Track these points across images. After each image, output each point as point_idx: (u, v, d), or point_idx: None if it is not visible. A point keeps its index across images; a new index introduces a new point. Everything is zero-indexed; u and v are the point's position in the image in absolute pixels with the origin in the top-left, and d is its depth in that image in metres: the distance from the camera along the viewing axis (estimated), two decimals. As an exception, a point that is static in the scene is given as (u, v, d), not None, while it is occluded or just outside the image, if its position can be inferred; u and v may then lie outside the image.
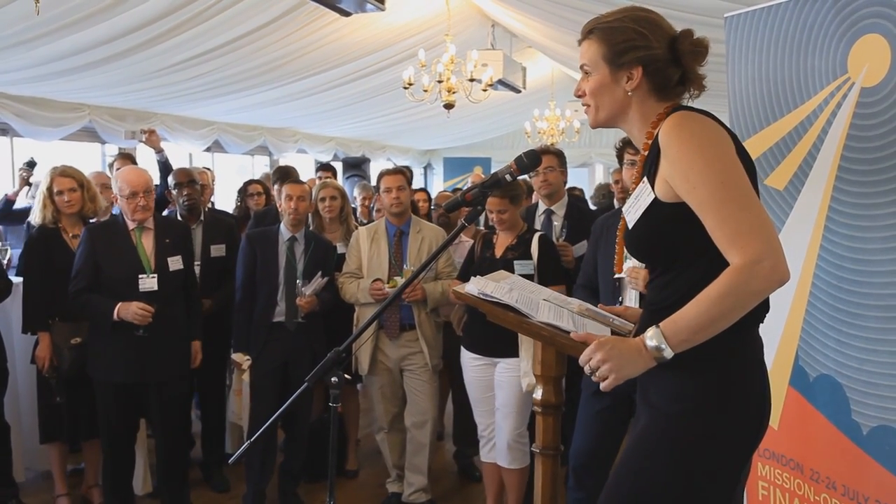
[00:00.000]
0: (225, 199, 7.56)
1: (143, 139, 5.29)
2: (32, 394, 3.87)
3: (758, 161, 2.51)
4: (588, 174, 15.31)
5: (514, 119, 12.49)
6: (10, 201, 5.29)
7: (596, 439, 3.10)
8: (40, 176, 4.37)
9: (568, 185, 4.41)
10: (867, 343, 2.19)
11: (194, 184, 4.31)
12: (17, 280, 3.86)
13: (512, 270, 3.24)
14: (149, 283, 3.49)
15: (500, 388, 3.48)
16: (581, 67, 1.79)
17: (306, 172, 8.92)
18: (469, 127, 12.86)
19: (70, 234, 3.78)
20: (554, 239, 3.78)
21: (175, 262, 3.60)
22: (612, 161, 3.57)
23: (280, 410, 2.06)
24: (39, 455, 4.09)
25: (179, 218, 4.26)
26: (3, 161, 7.53)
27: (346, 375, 2.02)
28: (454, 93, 6.77)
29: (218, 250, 4.27)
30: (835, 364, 2.29)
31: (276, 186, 4.86)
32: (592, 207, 6.07)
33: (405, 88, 6.59)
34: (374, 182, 8.31)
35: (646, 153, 1.74)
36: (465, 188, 2.33)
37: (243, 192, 5.66)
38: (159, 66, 6.41)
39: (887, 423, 2.14)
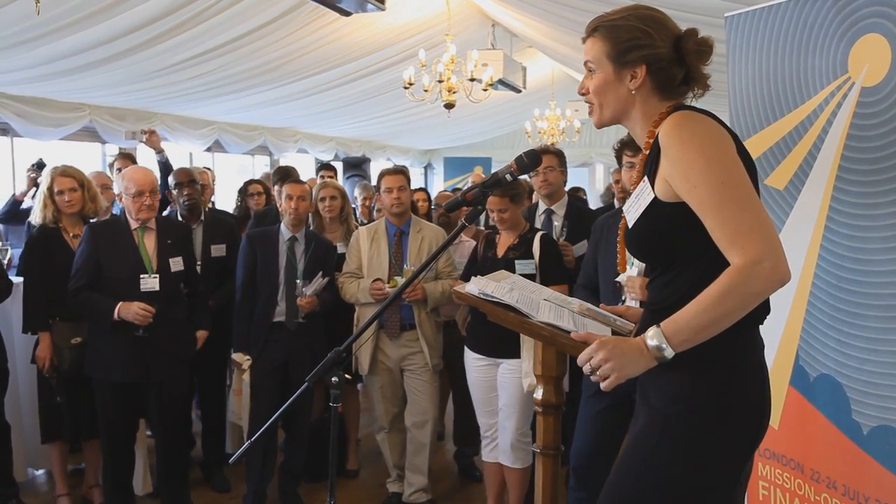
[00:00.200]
0: (225, 199, 7.56)
1: (144, 139, 5.29)
2: (33, 394, 3.87)
3: (758, 161, 2.51)
4: (588, 174, 15.32)
5: (515, 119, 12.50)
6: (17, 202, 5.30)
7: (596, 439, 3.09)
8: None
9: (570, 186, 4.42)
10: (867, 343, 2.19)
11: (195, 184, 4.31)
12: (17, 280, 3.86)
13: (513, 270, 3.25)
14: (150, 283, 3.49)
15: (503, 388, 3.48)
16: (585, 64, 1.79)
17: (307, 172, 8.92)
18: (469, 127, 12.87)
19: (71, 234, 3.78)
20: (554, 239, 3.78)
21: (176, 263, 3.61)
22: (613, 161, 3.56)
23: (280, 410, 2.06)
24: (40, 455, 4.10)
25: (180, 218, 4.26)
26: (3, 161, 7.53)
27: (347, 375, 2.02)
28: (454, 92, 6.77)
29: (218, 250, 4.27)
30: (835, 364, 2.29)
31: (276, 186, 4.86)
32: (601, 205, 6.07)
33: (405, 88, 6.58)
34: (374, 182, 8.32)
35: (647, 152, 1.74)
36: (465, 188, 2.33)
37: (243, 192, 5.65)
38: (160, 66, 6.41)
39: (887, 422, 2.14)
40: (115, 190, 4.89)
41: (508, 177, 2.01)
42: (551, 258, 3.50)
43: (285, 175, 4.85)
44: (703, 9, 4.28)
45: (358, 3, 5.17)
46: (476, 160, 14.41)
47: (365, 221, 5.10)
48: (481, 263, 3.54)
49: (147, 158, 5.50)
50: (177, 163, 5.31)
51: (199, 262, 4.11)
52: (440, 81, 6.64)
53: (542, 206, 4.09)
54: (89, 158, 8.31)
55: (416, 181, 13.52)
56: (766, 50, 2.50)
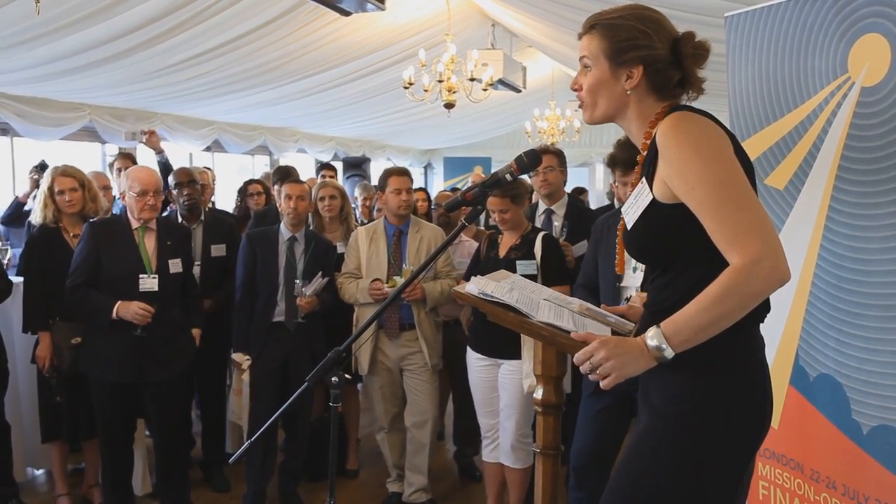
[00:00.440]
0: (225, 199, 7.56)
1: (144, 140, 5.29)
2: (33, 393, 3.87)
3: (758, 160, 2.52)
4: (588, 174, 15.32)
5: (515, 119, 12.50)
6: (20, 203, 5.31)
7: (597, 439, 3.09)
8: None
9: (573, 187, 4.42)
10: (867, 342, 2.19)
11: (195, 183, 4.31)
12: (17, 280, 3.86)
13: (514, 270, 3.24)
14: (149, 283, 3.49)
15: (504, 389, 3.48)
16: (580, 59, 1.77)
17: (306, 172, 8.92)
18: (469, 126, 12.87)
19: (71, 234, 3.78)
20: (553, 239, 3.78)
21: (175, 265, 3.60)
22: (613, 160, 3.55)
23: (280, 410, 2.06)
24: (40, 454, 4.09)
25: (180, 217, 4.26)
26: (3, 161, 7.53)
27: (347, 375, 2.02)
28: (454, 92, 6.76)
29: (218, 250, 4.27)
30: (835, 364, 2.29)
31: (276, 186, 4.86)
32: (607, 203, 6.06)
33: (405, 88, 6.58)
34: (374, 182, 8.32)
35: (644, 153, 1.73)
36: (465, 188, 2.33)
37: (243, 192, 5.66)
38: (159, 66, 6.41)
39: (887, 422, 2.14)
40: (115, 190, 4.93)
41: (508, 176, 2.01)
42: (553, 259, 3.49)
43: (285, 175, 4.85)
44: (703, 9, 4.28)
45: (358, 3, 5.17)
46: (476, 160, 14.41)
47: (365, 221, 5.10)
48: (484, 264, 3.54)
49: (147, 159, 5.50)
50: (177, 163, 5.31)
51: (199, 262, 4.11)
52: (440, 81, 6.65)
53: (541, 206, 4.09)
54: (89, 158, 8.31)
55: (416, 181, 13.48)
56: (766, 50, 2.50)
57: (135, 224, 3.56)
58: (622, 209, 1.81)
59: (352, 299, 3.91)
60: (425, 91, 6.77)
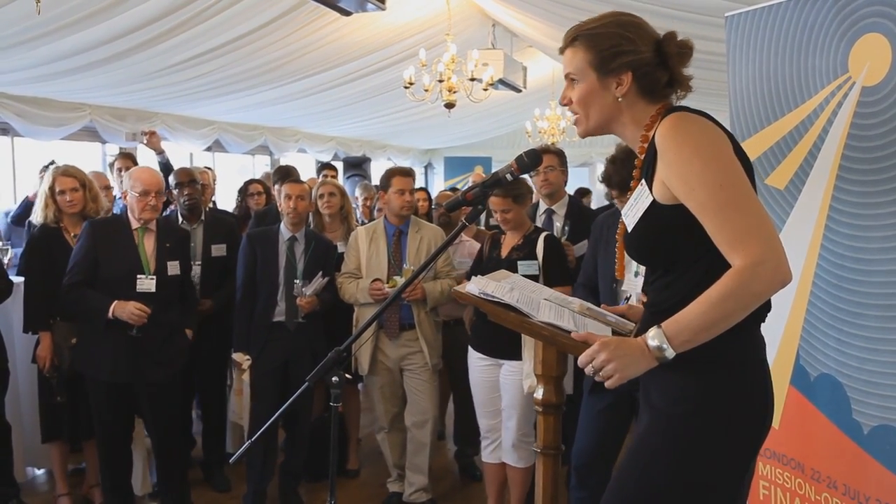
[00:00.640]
0: (225, 199, 7.57)
1: (144, 141, 5.29)
2: (33, 393, 3.87)
3: (758, 160, 2.52)
4: (589, 174, 15.29)
5: (515, 118, 12.49)
6: (31, 203, 5.30)
7: (597, 438, 3.09)
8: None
9: (577, 188, 4.41)
10: (868, 342, 2.19)
11: (195, 183, 4.31)
12: (17, 280, 3.86)
13: (516, 271, 3.24)
14: (147, 283, 3.48)
15: (505, 389, 3.48)
16: (566, 76, 1.79)
17: (307, 172, 8.93)
18: (470, 126, 12.86)
19: (72, 234, 3.77)
20: (554, 239, 3.78)
21: (173, 267, 3.60)
22: (614, 160, 3.55)
23: (281, 410, 2.06)
24: (40, 454, 4.09)
25: (180, 217, 4.26)
26: (3, 161, 7.54)
27: (347, 375, 2.02)
28: (455, 92, 6.76)
29: (219, 250, 4.26)
30: (835, 363, 2.29)
31: (276, 186, 4.86)
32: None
33: (406, 88, 6.58)
34: (374, 181, 8.30)
35: (642, 156, 1.73)
36: (465, 187, 2.33)
37: (244, 192, 5.66)
38: (160, 66, 6.41)
39: (888, 422, 2.14)
40: (116, 190, 4.93)
41: (509, 176, 2.01)
42: (555, 259, 3.48)
43: (285, 175, 4.85)
44: (703, 9, 4.28)
45: (358, 3, 5.17)
46: (476, 160, 14.41)
47: (365, 221, 5.09)
48: (486, 264, 3.53)
49: (148, 159, 5.51)
50: (177, 163, 5.31)
51: (199, 262, 4.11)
52: (440, 81, 6.64)
53: (542, 206, 4.09)
54: (89, 158, 8.32)
55: (417, 181, 13.50)
56: (767, 50, 2.50)
57: (135, 224, 3.56)
58: (622, 212, 1.81)
59: (352, 299, 3.91)
60: (426, 91, 6.77)
